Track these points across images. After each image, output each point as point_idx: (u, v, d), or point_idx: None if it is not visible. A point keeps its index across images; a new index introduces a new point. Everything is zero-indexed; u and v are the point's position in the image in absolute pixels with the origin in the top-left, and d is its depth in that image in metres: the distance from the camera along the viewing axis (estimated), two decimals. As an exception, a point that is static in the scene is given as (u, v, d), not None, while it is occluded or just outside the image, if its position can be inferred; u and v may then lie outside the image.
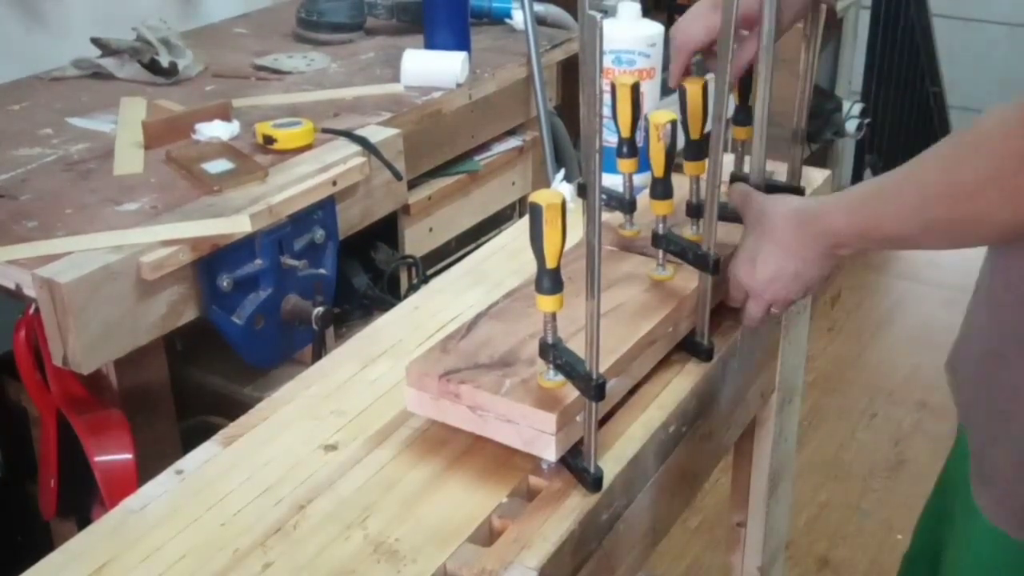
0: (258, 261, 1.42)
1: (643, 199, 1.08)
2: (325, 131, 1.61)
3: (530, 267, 0.82)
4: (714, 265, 0.98)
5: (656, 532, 0.99)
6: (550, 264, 0.79)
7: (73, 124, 1.69)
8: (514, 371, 0.88)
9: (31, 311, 1.27)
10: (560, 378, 0.85)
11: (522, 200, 2.06)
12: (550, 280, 0.80)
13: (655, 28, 1.25)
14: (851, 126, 3.57)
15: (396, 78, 1.86)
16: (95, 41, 1.90)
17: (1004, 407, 0.90)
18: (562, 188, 1.26)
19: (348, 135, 1.59)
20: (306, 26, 2.10)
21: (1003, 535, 0.91)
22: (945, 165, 0.82)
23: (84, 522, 1.39)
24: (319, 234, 1.51)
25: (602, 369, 0.83)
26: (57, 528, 1.50)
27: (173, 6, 2.18)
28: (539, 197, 0.78)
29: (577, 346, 0.82)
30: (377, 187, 1.62)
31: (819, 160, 3.57)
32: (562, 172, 1.32)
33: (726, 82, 0.94)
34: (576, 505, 0.84)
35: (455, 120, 1.85)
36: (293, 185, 1.46)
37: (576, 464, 0.86)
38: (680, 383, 0.99)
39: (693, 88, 1.00)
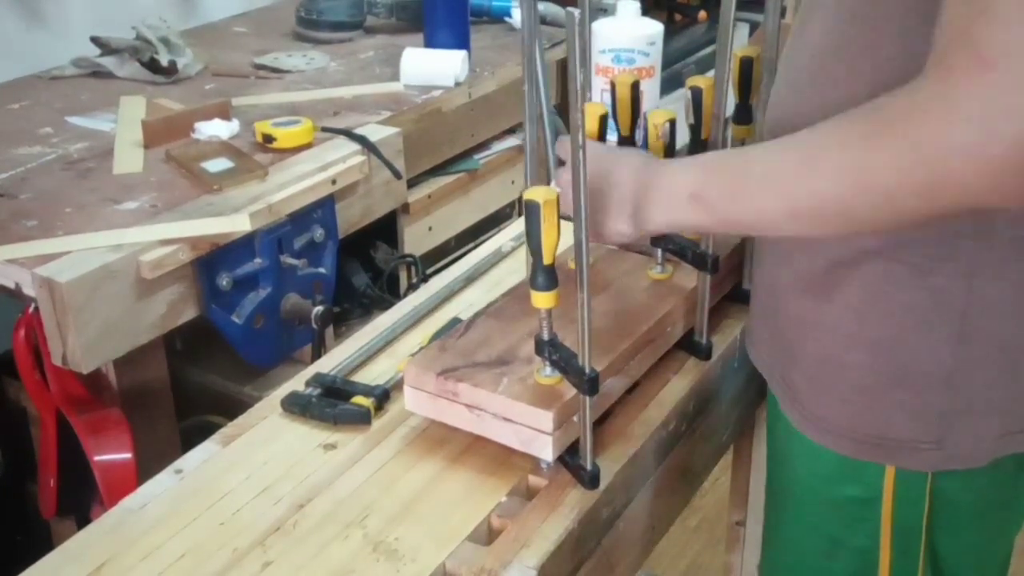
0: (258, 260, 1.42)
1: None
2: (325, 130, 1.61)
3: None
4: (713, 264, 0.98)
5: (655, 531, 0.99)
6: (546, 261, 0.79)
7: (73, 123, 1.69)
8: (512, 369, 0.88)
9: (30, 310, 1.27)
10: (556, 374, 0.85)
11: (521, 199, 2.05)
12: (545, 277, 0.80)
13: (655, 27, 1.25)
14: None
15: (396, 77, 1.86)
16: (95, 40, 1.90)
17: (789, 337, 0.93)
18: (561, 187, 1.26)
19: (348, 134, 1.59)
20: (306, 25, 2.10)
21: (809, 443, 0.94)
22: (844, 147, 0.75)
23: (84, 521, 1.39)
24: (319, 233, 1.51)
25: (600, 368, 0.83)
26: (57, 527, 1.50)
27: (173, 5, 2.18)
28: (534, 194, 0.78)
29: (574, 344, 0.82)
30: (377, 186, 1.62)
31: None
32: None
33: (725, 80, 0.93)
34: (575, 504, 0.84)
35: (455, 119, 1.84)
36: (293, 184, 1.46)
37: (573, 462, 0.86)
38: (679, 382, 0.99)
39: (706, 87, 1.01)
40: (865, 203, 0.74)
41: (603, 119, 1.02)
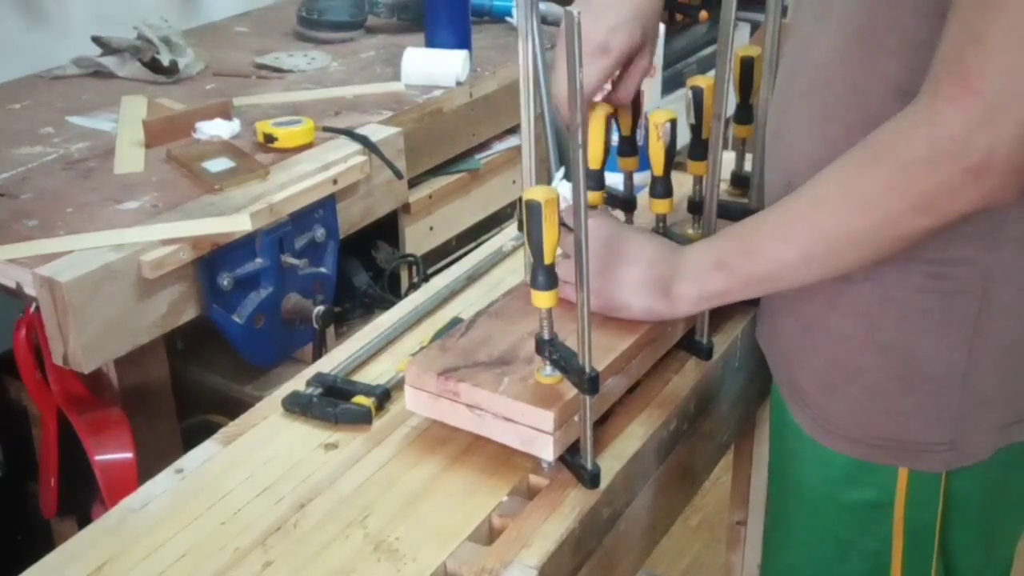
0: (259, 260, 1.42)
1: (644, 197, 1.08)
2: (326, 130, 1.61)
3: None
4: (714, 263, 0.97)
5: (656, 530, 0.99)
6: (546, 260, 0.79)
7: (74, 123, 1.70)
8: (512, 369, 0.88)
9: (31, 310, 1.27)
10: (557, 374, 0.85)
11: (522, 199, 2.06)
12: (545, 276, 0.80)
13: (655, 26, 1.25)
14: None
15: (397, 76, 1.86)
16: (96, 40, 1.90)
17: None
18: (563, 186, 1.26)
19: (349, 134, 1.59)
20: (307, 24, 2.10)
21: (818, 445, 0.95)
22: (842, 179, 0.79)
23: (85, 521, 1.39)
24: (320, 233, 1.51)
25: (600, 367, 0.83)
26: (58, 527, 1.50)
27: (174, 4, 2.18)
28: (534, 193, 0.78)
29: (575, 344, 0.82)
30: (378, 186, 1.62)
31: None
32: (563, 170, 1.32)
33: (726, 79, 0.93)
34: (576, 503, 0.84)
35: (456, 119, 1.85)
36: (294, 184, 1.46)
37: (574, 461, 0.86)
38: (680, 382, 0.99)
39: (707, 87, 1.01)
40: (870, 228, 0.77)
41: (608, 119, 1.02)
